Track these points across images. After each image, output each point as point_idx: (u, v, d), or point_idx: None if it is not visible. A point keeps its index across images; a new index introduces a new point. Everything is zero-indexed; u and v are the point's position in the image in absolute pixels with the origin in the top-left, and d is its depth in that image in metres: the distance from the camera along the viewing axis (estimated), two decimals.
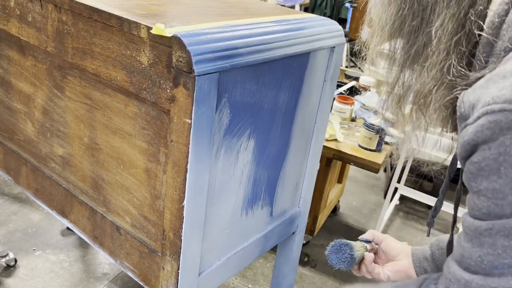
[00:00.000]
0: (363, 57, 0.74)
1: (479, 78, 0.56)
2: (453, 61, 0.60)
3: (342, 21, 5.55)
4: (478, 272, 0.55)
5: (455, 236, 0.70)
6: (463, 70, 0.60)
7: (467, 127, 0.53)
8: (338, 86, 2.33)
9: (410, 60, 0.65)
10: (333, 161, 2.21)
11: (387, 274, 0.92)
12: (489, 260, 0.54)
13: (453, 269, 0.59)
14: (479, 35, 0.58)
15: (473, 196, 0.55)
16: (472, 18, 0.58)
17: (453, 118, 0.64)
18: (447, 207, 2.52)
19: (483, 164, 0.52)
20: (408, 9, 0.62)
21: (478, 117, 0.51)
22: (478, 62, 0.58)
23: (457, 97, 0.59)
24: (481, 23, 0.58)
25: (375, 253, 0.97)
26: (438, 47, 0.60)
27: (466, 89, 0.57)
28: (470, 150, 0.53)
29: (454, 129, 0.66)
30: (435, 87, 0.62)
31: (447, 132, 0.68)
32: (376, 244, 0.97)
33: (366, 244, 0.97)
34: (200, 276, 0.97)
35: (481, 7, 0.58)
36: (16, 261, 2.20)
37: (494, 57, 0.57)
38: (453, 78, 0.60)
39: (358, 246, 0.96)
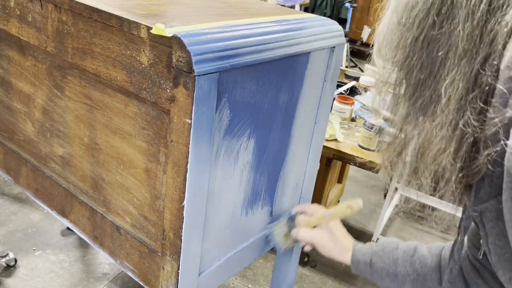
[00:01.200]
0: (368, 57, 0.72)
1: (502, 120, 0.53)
2: (468, 117, 0.56)
3: (342, 21, 5.54)
4: None
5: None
6: (479, 121, 0.56)
7: None
8: (338, 86, 2.33)
9: (416, 112, 0.61)
10: (333, 161, 2.21)
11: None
12: None
13: None
14: (495, 86, 0.54)
15: None
16: (488, 73, 0.54)
17: (462, 173, 0.60)
18: (447, 207, 2.51)
19: None
20: (417, 59, 0.59)
21: None
22: (497, 105, 0.54)
23: (469, 148, 0.57)
24: (496, 75, 0.54)
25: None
26: (448, 106, 0.57)
27: (479, 135, 0.55)
28: None
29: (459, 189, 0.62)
30: (447, 146, 0.58)
31: (450, 190, 0.63)
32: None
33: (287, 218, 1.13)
34: (200, 276, 0.97)
35: (494, 62, 0.54)
36: (16, 261, 2.20)
37: None
38: (468, 130, 0.56)
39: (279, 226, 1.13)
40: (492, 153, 0.54)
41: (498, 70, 0.54)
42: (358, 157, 1.87)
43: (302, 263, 2.37)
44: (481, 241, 0.62)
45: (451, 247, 0.80)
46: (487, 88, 0.55)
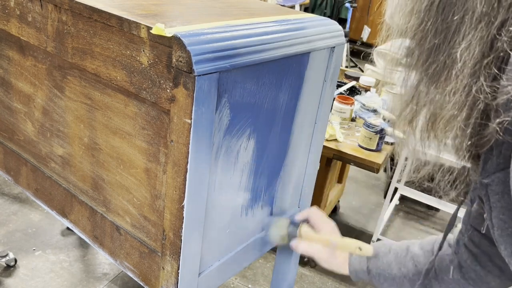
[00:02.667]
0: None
1: None
2: (482, 84, 0.55)
3: (342, 21, 5.55)
4: None
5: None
6: (492, 88, 0.55)
7: None
8: (338, 86, 2.33)
9: (428, 79, 0.60)
10: (333, 161, 2.21)
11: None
12: None
13: None
14: (510, 53, 0.54)
15: None
16: (504, 38, 0.54)
17: (471, 141, 0.60)
18: (447, 207, 2.52)
19: None
20: (432, 24, 0.58)
21: None
22: (509, 74, 0.54)
23: (479, 115, 0.56)
24: None
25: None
26: (462, 71, 0.56)
27: (490, 102, 0.55)
28: None
29: (470, 152, 0.62)
30: (459, 112, 0.58)
31: (460, 158, 0.63)
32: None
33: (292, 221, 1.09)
34: (200, 276, 0.97)
35: (511, 28, 0.53)
36: (16, 261, 2.20)
37: None
38: (480, 97, 0.56)
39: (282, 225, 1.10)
40: (504, 121, 0.53)
41: None
42: (358, 157, 1.87)
43: (302, 263, 2.37)
44: (484, 215, 0.62)
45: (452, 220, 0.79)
46: (502, 54, 0.55)
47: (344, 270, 1.01)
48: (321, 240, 1.03)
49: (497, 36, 0.54)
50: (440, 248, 0.83)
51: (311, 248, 1.03)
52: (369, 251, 0.96)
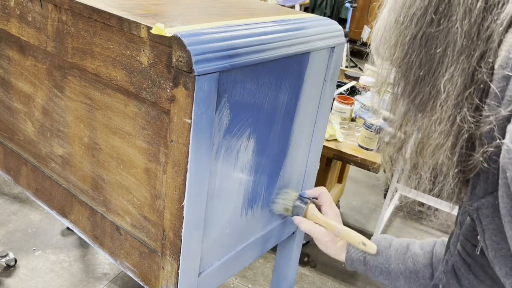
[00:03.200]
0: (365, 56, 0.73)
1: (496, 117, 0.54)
2: (465, 113, 0.57)
3: (342, 21, 5.55)
4: None
5: None
6: (475, 118, 0.57)
7: None
8: (338, 86, 2.33)
9: (415, 108, 0.63)
10: (333, 161, 2.22)
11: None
12: None
13: None
14: (489, 85, 0.56)
15: None
16: (484, 70, 0.56)
17: (458, 168, 0.62)
18: (447, 207, 2.51)
19: None
20: (416, 56, 0.60)
21: None
22: (491, 103, 0.55)
23: (464, 144, 0.58)
24: (491, 72, 0.55)
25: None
26: (447, 102, 0.58)
27: (474, 132, 0.56)
28: None
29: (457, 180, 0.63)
30: (445, 141, 0.60)
31: (448, 185, 0.64)
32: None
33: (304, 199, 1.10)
34: (200, 276, 0.97)
35: (490, 60, 0.55)
36: (16, 261, 2.20)
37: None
38: (464, 126, 0.58)
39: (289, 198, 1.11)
40: (488, 151, 0.55)
41: (493, 68, 0.55)
42: (358, 157, 1.87)
43: (302, 263, 2.37)
44: (478, 237, 0.63)
45: (448, 240, 0.81)
46: (482, 85, 0.56)
47: (340, 257, 1.02)
48: (327, 224, 1.03)
49: (477, 68, 0.56)
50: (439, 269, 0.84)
51: (313, 227, 1.04)
52: (372, 249, 0.97)
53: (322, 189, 1.10)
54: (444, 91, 0.58)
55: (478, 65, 0.56)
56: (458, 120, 0.58)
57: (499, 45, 0.55)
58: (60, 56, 0.99)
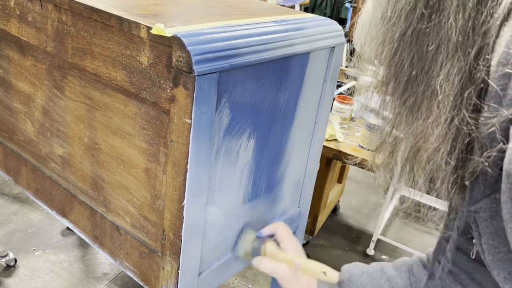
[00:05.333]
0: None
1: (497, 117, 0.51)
2: (464, 115, 0.53)
3: (342, 21, 5.55)
4: None
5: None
6: (475, 120, 0.53)
7: None
8: (338, 86, 2.33)
9: (407, 111, 0.58)
10: (333, 161, 2.22)
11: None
12: None
13: None
14: (488, 83, 0.52)
15: None
16: (482, 67, 0.52)
17: (457, 173, 0.58)
18: (443, 206, 2.51)
19: None
20: (406, 55, 0.55)
21: None
22: (492, 104, 0.52)
23: (463, 148, 0.55)
24: (489, 70, 0.52)
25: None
26: (444, 103, 0.53)
27: (474, 134, 0.53)
28: None
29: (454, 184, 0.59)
30: (443, 145, 0.55)
31: (445, 190, 0.61)
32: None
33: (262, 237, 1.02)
34: (200, 276, 0.97)
35: (487, 56, 0.52)
36: (16, 261, 2.20)
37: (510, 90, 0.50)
38: (464, 129, 0.54)
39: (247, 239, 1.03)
40: (491, 155, 0.52)
41: (490, 65, 0.52)
42: (358, 157, 1.87)
43: None
44: (473, 241, 0.61)
45: (435, 248, 0.78)
46: (481, 84, 0.53)
47: None
48: (285, 260, 0.94)
49: (475, 66, 0.52)
50: (429, 276, 0.81)
51: (274, 267, 0.94)
52: (333, 278, 0.89)
53: (278, 224, 1.03)
54: (440, 92, 0.53)
55: (476, 63, 0.52)
56: (456, 122, 0.54)
57: (495, 40, 0.51)
58: (60, 56, 0.99)
